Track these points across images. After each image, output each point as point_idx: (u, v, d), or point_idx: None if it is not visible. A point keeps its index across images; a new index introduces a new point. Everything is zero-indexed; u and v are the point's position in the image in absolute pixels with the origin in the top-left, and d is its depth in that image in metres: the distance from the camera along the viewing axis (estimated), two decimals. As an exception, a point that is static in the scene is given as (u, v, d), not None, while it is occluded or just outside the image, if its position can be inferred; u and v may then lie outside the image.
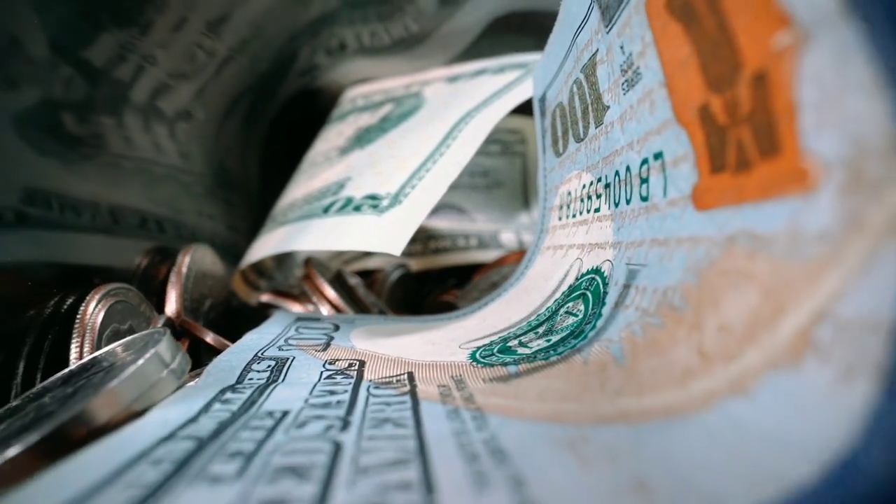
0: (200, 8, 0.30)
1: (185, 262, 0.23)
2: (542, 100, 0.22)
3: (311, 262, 0.25)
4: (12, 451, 0.10)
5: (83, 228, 0.24)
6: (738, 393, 0.08)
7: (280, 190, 0.35)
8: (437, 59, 0.35)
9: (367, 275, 0.32)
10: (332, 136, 0.32)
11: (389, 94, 0.33)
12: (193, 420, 0.11)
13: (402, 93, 0.32)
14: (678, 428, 0.08)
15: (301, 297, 0.26)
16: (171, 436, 0.10)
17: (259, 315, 0.27)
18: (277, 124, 0.39)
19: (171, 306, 0.22)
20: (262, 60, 0.35)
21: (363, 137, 0.29)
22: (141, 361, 0.12)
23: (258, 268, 0.31)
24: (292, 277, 0.33)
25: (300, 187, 0.29)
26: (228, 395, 0.12)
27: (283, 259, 0.33)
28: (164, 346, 0.13)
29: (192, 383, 0.14)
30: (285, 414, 0.11)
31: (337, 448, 0.09)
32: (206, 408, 0.11)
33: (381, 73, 0.36)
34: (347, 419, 0.10)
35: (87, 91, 0.25)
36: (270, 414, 0.11)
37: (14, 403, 0.14)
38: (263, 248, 0.26)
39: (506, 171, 0.38)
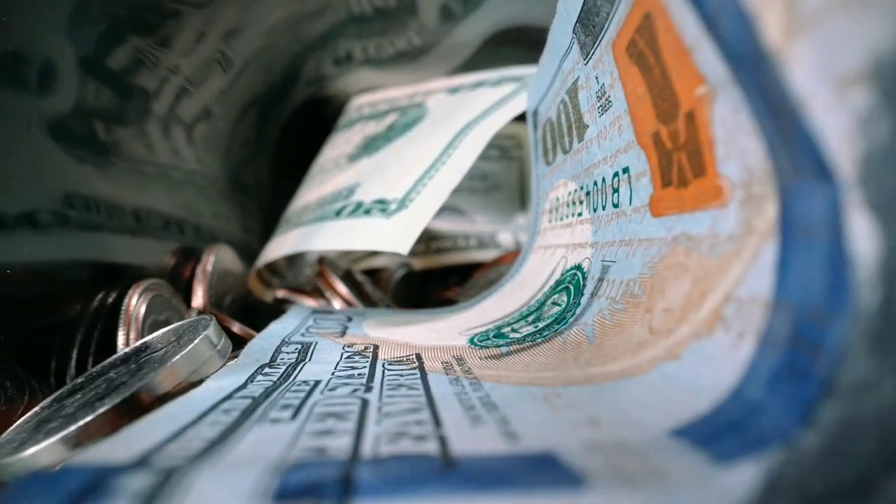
0: (218, 22, 0.33)
1: (209, 260, 0.26)
2: (535, 114, 0.25)
3: (325, 261, 0.28)
4: (102, 408, 0.13)
5: (114, 229, 0.27)
6: (672, 357, 0.11)
7: (289, 193, 0.38)
8: (438, 69, 0.37)
9: (373, 273, 0.35)
10: (340, 144, 0.35)
11: (394, 104, 0.36)
12: (243, 387, 0.13)
13: (406, 103, 0.35)
14: (627, 384, 0.11)
15: (313, 293, 0.29)
16: (229, 396, 0.12)
17: (275, 310, 0.30)
18: (287, 131, 0.42)
19: (199, 300, 0.25)
20: (274, 71, 0.38)
21: (370, 145, 0.31)
22: (196, 342, 0.15)
23: (271, 267, 0.34)
24: (302, 276, 0.36)
25: (312, 192, 0.32)
26: (267, 370, 0.15)
27: (293, 259, 0.36)
28: (212, 331, 0.16)
29: (232, 363, 0.16)
30: (318, 382, 0.14)
31: (364, 402, 0.12)
32: (251, 378, 0.14)
33: (385, 83, 0.39)
34: (369, 385, 0.13)
35: (116, 102, 0.28)
36: (305, 382, 0.14)
37: (79, 380, 0.17)
38: (279, 248, 0.29)
39: (503, 175, 0.41)
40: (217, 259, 0.27)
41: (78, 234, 0.25)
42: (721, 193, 0.10)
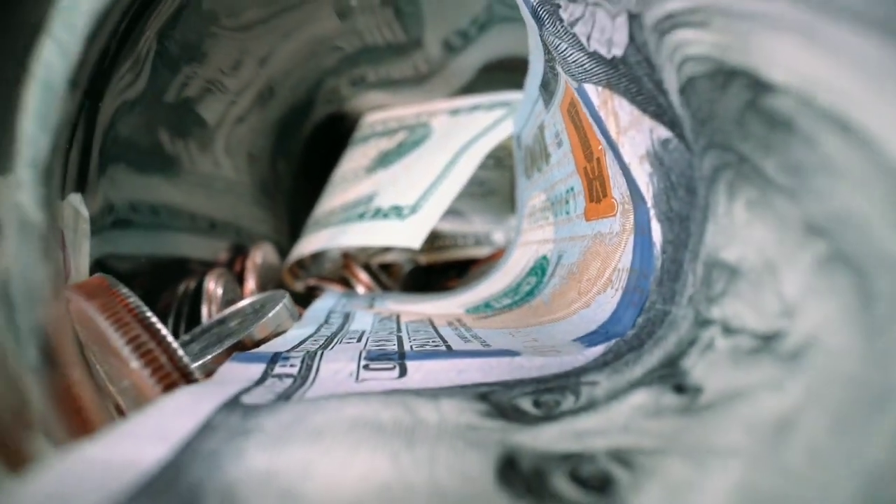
0: (255, 48, 0.40)
1: (258, 254, 0.34)
2: (518, 137, 0.33)
3: (349, 256, 0.36)
4: (223, 347, 0.21)
5: (177, 229, 0.35)
6: (585, 307, 0.19)
7: (309, 198, 0.46)
8: (441, 91, 0.46)
9: (385, 267, 0.43)
10: (357, 157, 0.43)
11: (402, 122, 0.44)
12: (315, 332, 0.21)
13: (414, 122, 0.43)
14: (559, 324, 0.19)
15: (339, 282, 0.37)
16: (311, 335, 0.20)
17: (306, 297, 0.38)
18: (308, 142, 0.50)
19: (251, 286, 0.33)
20: (298, 91, 0.46)
21: (385, 160, 0.39)
22: (279, 307, 0.23)
23: (299, 262, 0.42)
24: (324, 269, 0.44)
25: (336, 198, 0.40)
26: (325, 325, 0.23)
27: (317, 255, 0.44)
28: (287, 300, 0.24)
29: (297, 323, 0.24)
30: (364, 331, 0.22)
31: (399, 337, 0.20)
32: (318, 329, 0.22)
33: (395, 102, 0.47)
34: (399, 331, 0.21)
35: (175, 121, 0.36)
36: (356, 330, 0.22)
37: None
38: (311, 245, 0.37)
39: (498, 182, 0.49)
40: (263, 253, 0.35)
41: (143, 232, 0.33)
42: (613, 208, 0.18)
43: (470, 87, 0.45)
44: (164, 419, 0.10)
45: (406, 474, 0.09)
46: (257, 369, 0.14)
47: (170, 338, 0.13)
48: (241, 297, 0.32)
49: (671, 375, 0.12)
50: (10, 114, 0.10)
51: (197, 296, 0.29)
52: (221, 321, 0.25)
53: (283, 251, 0.43)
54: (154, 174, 0.35)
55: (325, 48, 0.44)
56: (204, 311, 0.28)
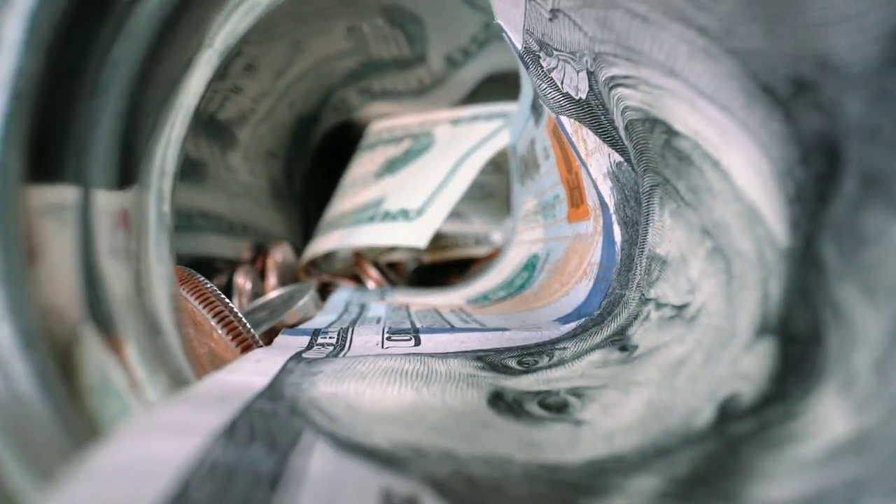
0: (271, 59, 0.45)
1: (278, 253, 0.39)
2: (514, 148, 0.37)
3: (361, 254, 0.40)
4: (262, 329, 0.25)
5: (205, 231, 0.40)
6: (566, 295, 0.23)
7: (319, 201, 0.51)
8: (443, 102, 0.50)
9: (391, 266, 0.47)
10: (364, 163, 0.48)
11: (408, 131, 0.48)
12: (339, 318, 0.26)
13: (418, 130, 0.47)
14: (544, 309, 0.24)
15: (351, 278, 0.41)
16: (336, 319, 0.25)
17: (321, 292, 0.42)
18: (318, 149, 0.54)
19: (272, 282, 0.37)
20: (310, 100, 0.51)
21: (392, 167, 0.44)
22: (306, 297, 0.27)
23: (313, 261, 0.46)
24: (335, 267, 0.48)
25: (346, 201, 0.44)
26: (346, 312, 0.27)
27: (328, 255, 0.48)
28: (313, 292, 0.28)
29: (320, 312, 0.29)
30: (380, 316, 0.26)
31: (411, 321, 0.24)
32: (340, 316, 0.27)
33: (400, 111, 0.52)
34: (410, 316, 0.26)
35: (202, 129, 0.40)
36: (373, 317, 0.26)
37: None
38: (325, 244, 0.41)
39: (497, 185, 0.53)
40: (282, 252, 0.39)
41: (187, 234, 0.37)
42: (588, 213, 0.23)
43: (470, 98, 0.50)
44: (256, 365, 0.14)
45: (425, 399, 0.13)
46: (304, 340, 0.19)
47: (241, 314, 0.18)
48: (264, 292, 0.36)
49: (619, 340, 0.16)
50: (164, 145, 0.14)
51: (227, 290, 0.33)
52: (252, 312, 0.29)
53: (297, 250, 0.47)
54: (187, 180, 0.39)
55: (335, 61, 0.48)
56: (235, 303, 0.32)
